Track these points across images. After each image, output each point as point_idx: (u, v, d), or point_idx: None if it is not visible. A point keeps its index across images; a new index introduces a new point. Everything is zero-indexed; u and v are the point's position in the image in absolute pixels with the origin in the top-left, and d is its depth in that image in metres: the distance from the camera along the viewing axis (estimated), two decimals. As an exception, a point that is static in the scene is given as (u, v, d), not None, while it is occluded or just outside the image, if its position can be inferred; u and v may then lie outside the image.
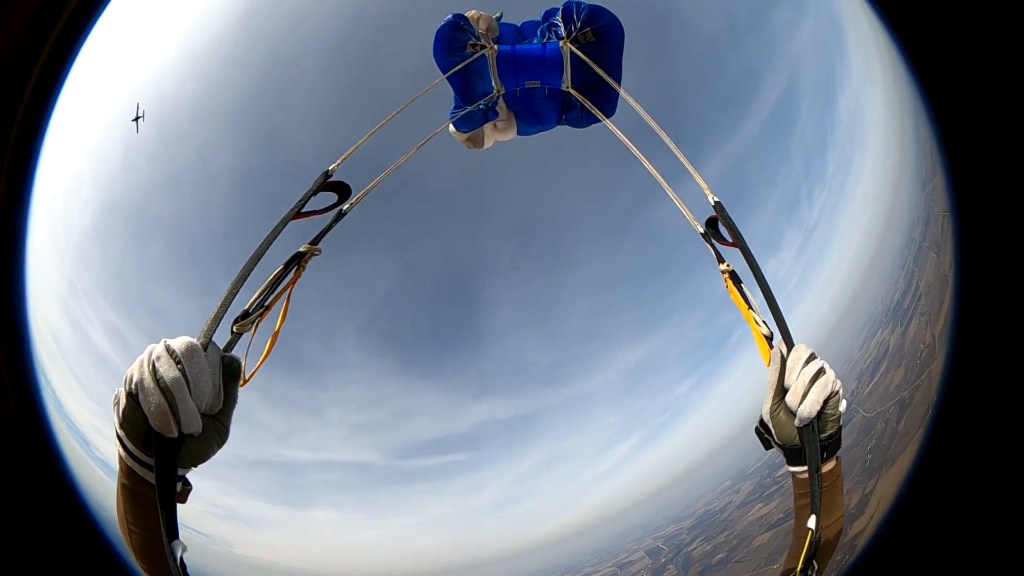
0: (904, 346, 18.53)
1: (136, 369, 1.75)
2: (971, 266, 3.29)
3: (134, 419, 1.74)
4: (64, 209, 18.12)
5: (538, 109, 5.84)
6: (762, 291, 2.70)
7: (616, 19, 5.16)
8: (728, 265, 3.03)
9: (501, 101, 5.68)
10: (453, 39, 5.19)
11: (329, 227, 2.96)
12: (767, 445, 2.38)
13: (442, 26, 5.19)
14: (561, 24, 5.25)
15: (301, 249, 2.63)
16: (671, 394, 34.31)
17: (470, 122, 5.62)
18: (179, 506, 1.84)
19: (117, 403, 1.77)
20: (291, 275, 2.54)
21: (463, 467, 32.26)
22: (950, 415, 3.25)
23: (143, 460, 1.78)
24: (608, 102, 5.31)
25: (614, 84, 4.88)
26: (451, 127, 5.58)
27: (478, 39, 5.21)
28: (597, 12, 5.18)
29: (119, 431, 1.77)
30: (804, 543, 2.09)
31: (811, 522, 2.11)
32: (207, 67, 24.59)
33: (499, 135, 6.01)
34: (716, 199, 3.22)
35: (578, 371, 34.62)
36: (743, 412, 31.67)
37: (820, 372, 2.17)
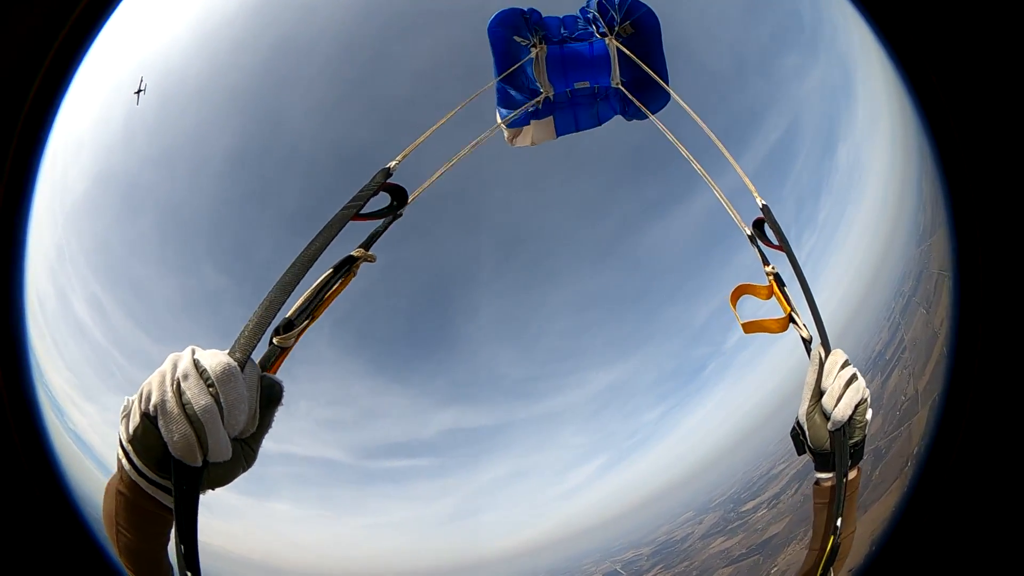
0: (883, 396, 18.75)
1: (156, 387, 1.46)
2: (969, 326, 3.25)
3: (148, 441, 1.48)
4: (63, 173, 17.71)
5: (580, 110, 5.82)
6: (804, 295, 2.80)
7: (650, 9, 5.19)
8: (773, 268, 3.13)
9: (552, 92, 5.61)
10: (516, 28, 5.18)
11: (381, 231, 2.68)
12: (800, 449, 2.43)
13: (506, 13, 5.21)
14: (600, 18, 5.25)
15: (354, 253, 2.40)
16: (640, 420, 34.22)
17: (516, 122, 5.59)
18: None
19: (127, 417, 1.50)
20: (339, 282, 2.29)
21: (426, 473, 31.88)
22: (937, 471, 3.20)
23: (153, 480, 1.53)
24: (656, 97, 5.28)
25: (661, 82, 4.88)
26: (499, 119, 5.51)
27: (528, 38, 5.21)
28: (633, 4, 5.22)
29: (126, 446, 1.51)
30: (824, 549, 2.16)
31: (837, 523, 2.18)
32: (215, 47, 24.39)
33: (538, 134, 5.95)
34: (763, 202, 3.31)
35: (549, 388, 34.40)
36: (710, 445, 32.44)
37: (854, 378, 2.28)
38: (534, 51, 5.25)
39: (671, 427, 33.59)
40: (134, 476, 1.53)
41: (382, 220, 2.72)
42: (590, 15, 5.39)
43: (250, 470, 1.70)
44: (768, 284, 3.16)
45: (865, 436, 2.32)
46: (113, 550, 1.63)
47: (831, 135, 25.35)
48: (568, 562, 31.05)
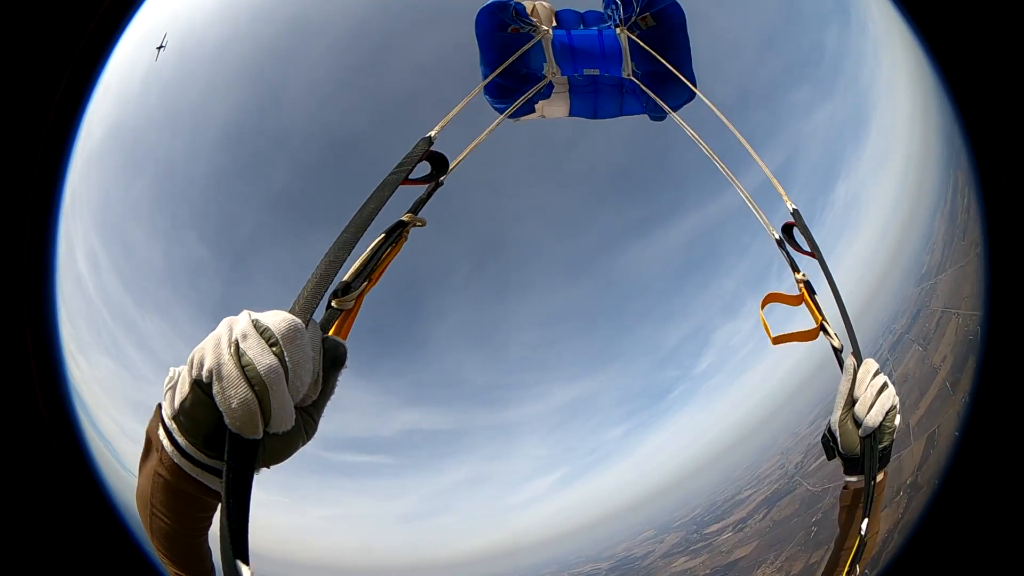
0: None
1: (211, 351, 1.30)
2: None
3: (198, 414, 1.32)
4: (88, 118, 17.23)
5: (599, 96, 5.63)
6: (836, 303, 2.78)
7: (676, 2, 4.95)
8: (804, 275, 3.06)
9: (559, 76, 5.40)
10: (506, 17, 4.96)
11: (426, 198, 2.73)
12: (830, 455, 2.48)
13: (482, 11, 5.01)
14: (620, 7, 5.06)
15: (404, 218, 2.45)
16: (602, 437, 34.67)
17: (522, 110, 5.29)
18: None
19: (173, 389, 1.34)
20: (391, 246, 2.35)
21: (385, 471, 31.61)
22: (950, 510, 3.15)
23: (199, 460, 1.36)
24: (677, 92, 5.05)
25: (681, 77, 4.71)
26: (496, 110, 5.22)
27: (523, 24, 5.00)
28: None
29: (169, 423, 1.35)
30: (851, 550, 2.27)
31: (863, 526, 2.25)
32: (234, 13, 24.17)
33: (550, 110, 5.72)
34: (794, 206, 3.26)
35: (513, 397, 34.18)
36: (672, 467, 32.71)
37: (885, 386, 2.34)
38: (539, 35, 5.02)
39: (633, 447, 34.02)
40: (177, 459, 1.36)
41: (426, 187, 2.79)
42: (613, 5, 5.18)
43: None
44: (799, 292, 3.06)
45: (893, 440, 2.37)
46: (145, 532, 1.49)
47: (831, 172, 25.78)
48: (524, 571, 30.78)
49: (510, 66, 4.89)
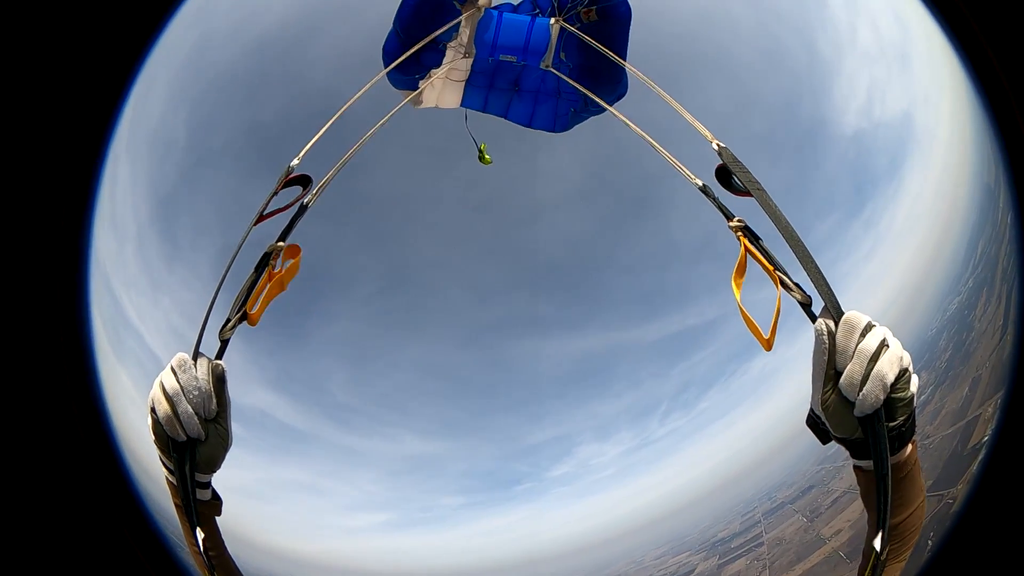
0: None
1: (154, 388, 2.09)
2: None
3: (156, 429, 2.08)
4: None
5: (494, 88, 5.31)
6: (792, 248, 2.05)
7: (627, 4, 4.66)
8: (740, 220, 2.45)
9: (467, 57, 5.08)
10: None
11: (293, 221, 2.85)
12: (824, 439, 1.99)
13: None
14: None
15: (267, 249, 2.63)
16: (438, 499, 34.10)
17: (409, 82, 4.96)
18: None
19: (148, 423, 2.09)
20: (263, 275, 2.56)
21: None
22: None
23: (166, 464, 2.12)
24: (607, 90, 4.76)
25: (618, 59, 4.36)
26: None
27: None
28: None
29: (154, 447, 2.11)
30: (871, 554, 1.85)
31: (876, 541, 1.83)
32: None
33: (445, 96, 5.33)
34: (720, 144, 2.66)
35: (365, 427, 33.09)
36: (497, 551, 32.39)
37: (883, 346, 1.76)
38: (467, 12, 4.72)
39: (464, 520, 33.51)
40: (162, 469, 2.17)
41: (291, 211, 2.89)
42: None
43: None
44: (740, 243, 2.36)
45: (913, 411, 1.82)
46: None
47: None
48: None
49: (425, 32, 4.63)
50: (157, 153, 21.76)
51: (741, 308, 2.26)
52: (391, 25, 4.73)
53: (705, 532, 27.67)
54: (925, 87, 21.92)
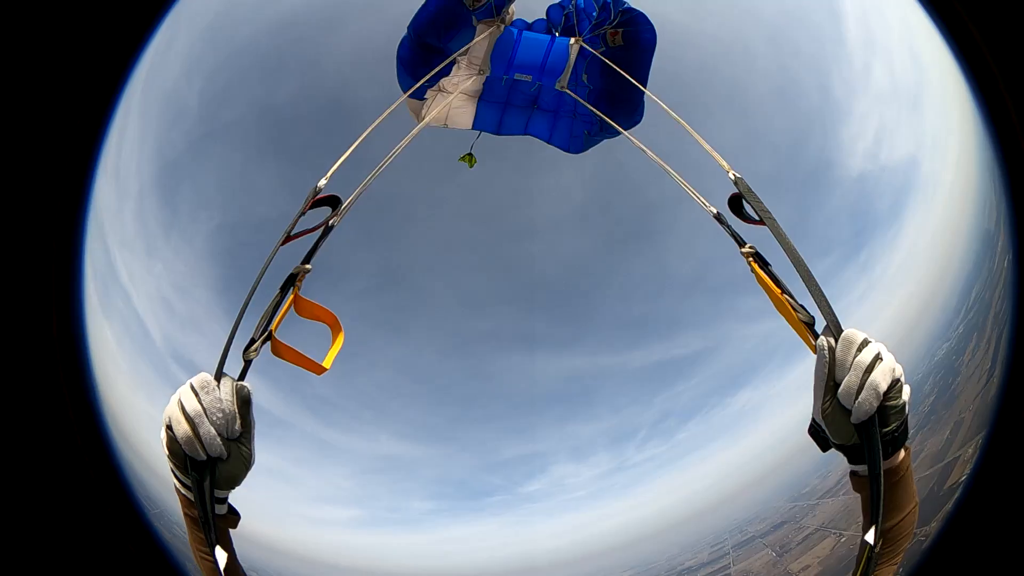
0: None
1: (170, 406, 2.01)
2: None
3: (172, 447, 2.00)
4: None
5: (509, 109, 5.27)
6: (799, 273, 2.24)
7: (652, 27, 4.63)
8: (751, 247, 2.66)
9: (483, 75, 5.03)
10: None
11: (318, 243, 2.89)
12: (824, 446, 2.12)
13: None
14: (576, 16, 4.74)
15: (292, 271, 2.70)
16: (408, 502, 34.67)
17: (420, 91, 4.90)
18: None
19: (162, 439, 2.02)
20: (289, 296, 2.64)
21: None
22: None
23: (182, 480, 2.04)
24: (624, 117, 4.69)
25: (637, 84, 4.30)
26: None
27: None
28: (637, 17, 4.65)
29: (168, 461, 2.03)
30: (863, 555, 1.97)
31: (869, 536, 1.95)
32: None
33: (455, 116, 5.25)
34: (736, 174, 2.85)
35: (342, 421, 33.23)
36: (465, 561, 32.39)
37: (877, 359, 1.93)
38: (488, 28, 4.68)
39: (432, 526, 33.89)
40: (175, 483, 2.07)
41: (318, 232, 2.91)
42: (568, 11, 4.85)
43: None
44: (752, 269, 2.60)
45: (906, 418, 1.97)
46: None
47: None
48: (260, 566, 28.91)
49: (441, 35, 4.64)
50: (168, 116, 22.17)
51: (792, 316, 2.36)
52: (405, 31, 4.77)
53: (673, 560, 27.90)
54: (934, 130, 22.36)
